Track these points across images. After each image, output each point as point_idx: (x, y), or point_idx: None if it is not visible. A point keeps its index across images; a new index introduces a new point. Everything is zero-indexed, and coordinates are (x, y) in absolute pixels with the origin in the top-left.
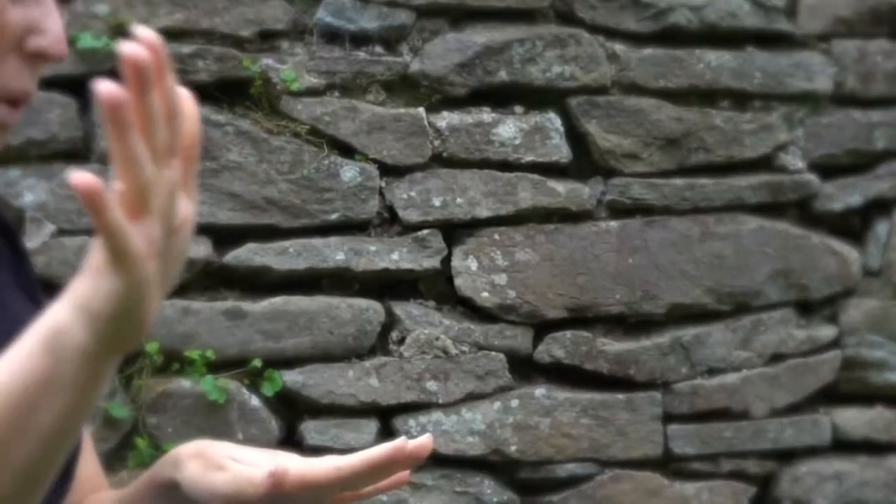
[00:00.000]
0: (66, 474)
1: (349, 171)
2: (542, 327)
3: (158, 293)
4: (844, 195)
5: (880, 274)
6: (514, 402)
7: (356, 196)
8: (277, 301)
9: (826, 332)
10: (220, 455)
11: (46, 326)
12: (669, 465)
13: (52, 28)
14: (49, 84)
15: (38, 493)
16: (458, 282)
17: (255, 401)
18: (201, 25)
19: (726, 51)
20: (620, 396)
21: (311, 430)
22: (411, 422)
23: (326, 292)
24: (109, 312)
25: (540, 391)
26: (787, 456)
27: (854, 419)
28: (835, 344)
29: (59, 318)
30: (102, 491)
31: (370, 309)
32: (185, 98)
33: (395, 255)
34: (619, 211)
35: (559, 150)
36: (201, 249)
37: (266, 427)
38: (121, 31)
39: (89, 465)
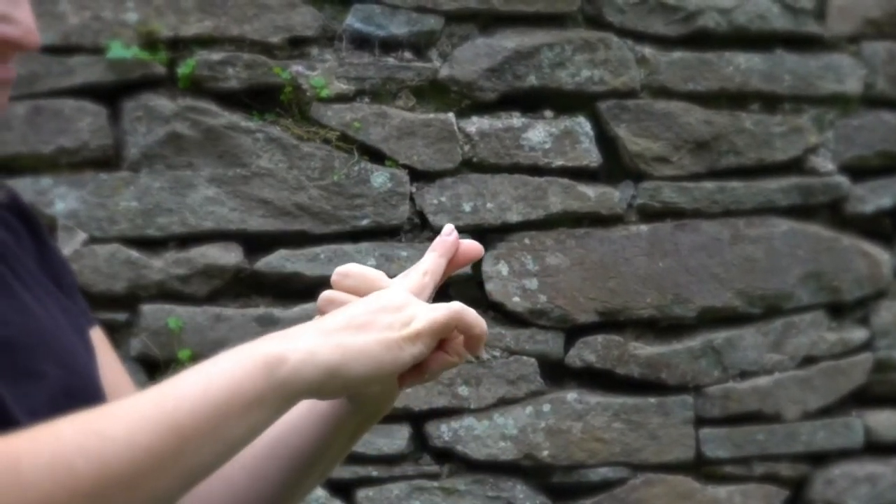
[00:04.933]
0: None
1: (379, 177)
2: (574, 331)
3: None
4: (875, 197)
5: None
6: (546, 407)
7: (387, 202)
8: (309, 307)
9: (858, 334)
10: None
11: (270, 353)
12: (702, 468)
13: (23, 19)
14: (80, 93)
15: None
16: (488, 287)
17: None
18: (231, 32)
19: (755, 53)
20: (652, 400)
21: None
22: (443, 427)
23: None
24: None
25: (572, 395)
26: (820, 458)
27: (886, 421)
28: (867, 346)
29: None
30: None
31: None
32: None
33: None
34: (650, 214)
35: (589, 155)
36: (232, 256)
37: None
38: (151, 40)
39: None
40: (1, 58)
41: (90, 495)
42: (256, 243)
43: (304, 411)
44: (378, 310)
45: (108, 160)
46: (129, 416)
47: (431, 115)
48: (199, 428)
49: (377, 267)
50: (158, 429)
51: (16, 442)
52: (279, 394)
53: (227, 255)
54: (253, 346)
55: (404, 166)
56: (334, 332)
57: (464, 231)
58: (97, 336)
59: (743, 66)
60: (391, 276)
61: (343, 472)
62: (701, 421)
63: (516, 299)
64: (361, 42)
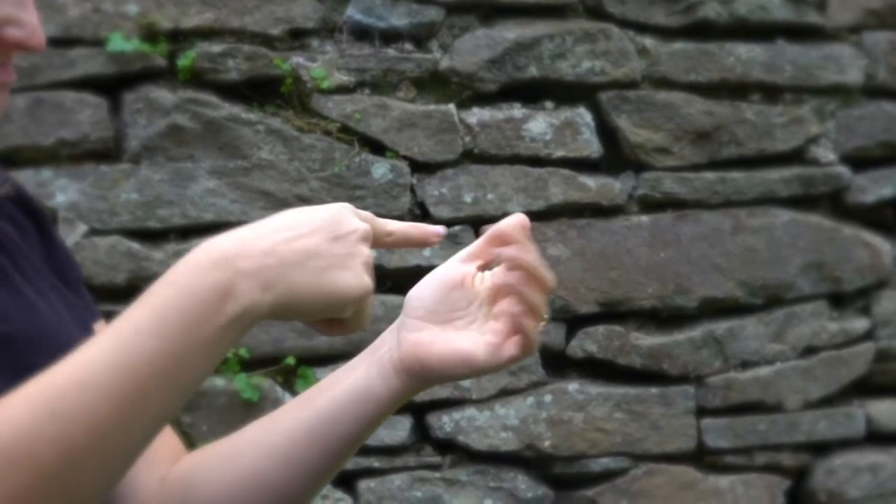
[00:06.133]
0: None
1: (380, 169)
2: (575, 322)
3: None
4: (876, 187)
5: None
6: (548, 398)
7: (387, 193)
8: None
9: (859, 324)
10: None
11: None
12: (703, 458)
13: (29, 20)
14: (80, 85)
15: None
16: None
17: (288, 398)
18: (231, 24)
19: (756, 44)
20: (654, 390)
21: None
22: (445, 418)
23: None
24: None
25: (573, 386)
26: (822, 448)
27: (888, 411)
28: (868, 336)
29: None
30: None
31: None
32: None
33: (426, 252)
34: (651, 205)
35: (590, 146)
36: None
37: None
38: (151, 32)
39: (170, 439)
40: (4, 58)
41: (60, 472)
42: None
43: (357, 396)
44: (327, 237)
45: (108, 152)
46: (85, 389)
47: (432, 107)
48: (159, 382)
49: (378, 258)
50: (118, 396)
51: None
52: (232, 329)
53: None
54: (199, 269)
55: (405, 158)
56: (282, 266)
57: (464, 222)
58: (101, 330)
59: (744, 57)
60: (391, 266)
61: None
62: (702, 411)
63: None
64: (362, 33)
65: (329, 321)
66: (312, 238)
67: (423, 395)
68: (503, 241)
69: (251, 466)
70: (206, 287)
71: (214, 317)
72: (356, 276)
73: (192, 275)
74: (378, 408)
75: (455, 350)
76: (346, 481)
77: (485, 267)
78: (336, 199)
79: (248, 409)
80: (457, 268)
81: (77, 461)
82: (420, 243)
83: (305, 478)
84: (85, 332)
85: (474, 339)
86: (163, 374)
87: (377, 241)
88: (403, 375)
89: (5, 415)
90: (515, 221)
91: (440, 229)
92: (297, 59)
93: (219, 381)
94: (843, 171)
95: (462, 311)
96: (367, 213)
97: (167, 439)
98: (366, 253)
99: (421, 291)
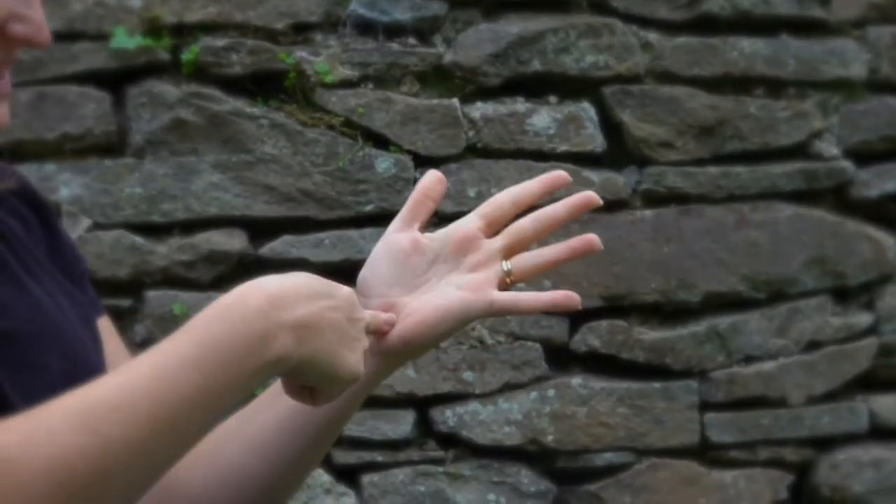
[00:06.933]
0: None
1: (384, 163)
2: (578, 316)
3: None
4: (880, 182)
5: None
6: (551, 392)
7: (391, 187)
8: None
9: (862, 318)
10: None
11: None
12: (706, 453)
13: (35, 17)
14: (84, 79)
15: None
16: None
17: None
18: (235, 18)
19: (760, 38)
20: (657, 385)
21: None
22: (448, 412)
23: None
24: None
25: (576, 380)
26: (825, 443)
27: (891, 406)
28: (871, 331)
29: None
30: None
31: None
32: None
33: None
34: (654, 200)
35: (593, 140)
36: (237, 242)
37: None
38: (154, 26)
39: None
40: (7, 56)
41: (89, 486)
42: (261, 229)
43: None
44: (347, 315)
45: (112, 146)
46: (123, 411)
47: (435, 101)
48: (193, 414)
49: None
50: (154, 425)
51: (7, 442)
52: (264, 372)
53: (232, 241)
54: (250, 312)
55: (408, 152)
56: (316, 330)
57: None
58: (105, 326)
59: (747, 51)
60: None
61: (348, 457)
62: (706, 406)
63: (521, 285)
64: (365, 28)
65: (310, 390)
66: (338, 313)
67: (426, 390)
68: (430, 196)
69: (233, 461)
70: (253, 332)
71: (253, 361)
72: (357, 362)
73: (242, 320)
74: (357, 390)
75: (438, 309)
76: (350, 475)
77: (494, 227)
78: (340, 194)
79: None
80: (401, 236)
81: (107, 477)
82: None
83: (287, 468)
84: (89, 328)
85: (447, 295)
86: (198, 406)
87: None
88: (386, 356)
89: (43, 425)
90: (434, 177)
91: (388, 320)
92: (301, 53)
93: None
94: (847, 165)
95: (425, 275)
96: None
97: None
98: (367, 343)
99: (374, 270)
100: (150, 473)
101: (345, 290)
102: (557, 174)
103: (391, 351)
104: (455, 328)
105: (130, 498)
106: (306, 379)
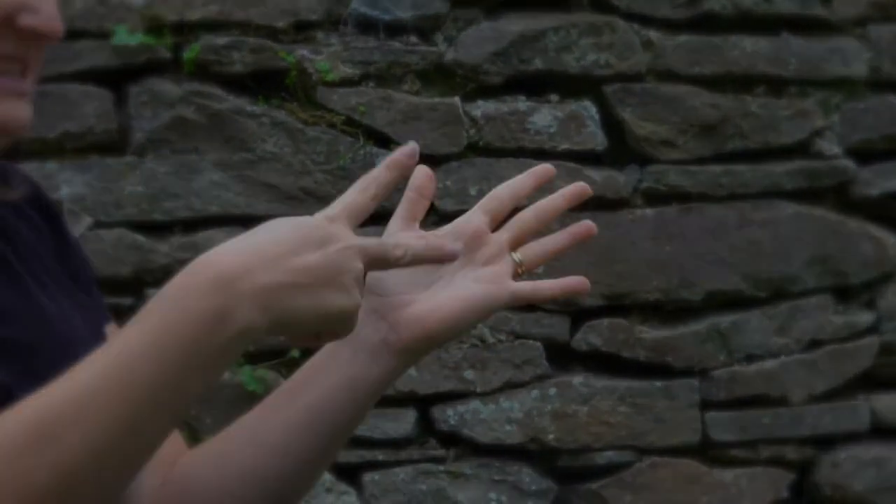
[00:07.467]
0: None
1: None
2: (580, 315)
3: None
4: (882, 180)
5: None
6: (552, 391)
7: None
8: None
9: (864, 317)
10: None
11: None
12: (708, 452)
13: (43, 6)
14: (85, 77)
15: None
16: None
17: None
18: (236, 17)
19: (761, 37)
20: (658, 384)
21: None
22: (449, 411)
23: None
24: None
25: (577, 379)
26: (826, 442)
27: (893, 405)
28: (873, 329)
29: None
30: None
31: None
32: None
33: None
34: (656, 198)
35: (595, 138)
36: None
37: None
38: (156, 24)
39: (173, 443)
40: (20, 51)
41: (55, 494)
42: None
43: (347, 383)
44: (323, 257)
45: (113, 145)
46: (81, 413)
47: (437, 100)
48: (157, 405)
49: None
50: (115, 421)
51: None
52: (229, 350)
53: None
54: (198, 290)
55: None
56: (280, 288)
57: None
58: (112, 332)
59: (749, 50)
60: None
61: (349, 455)
62: (707, 404)
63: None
64: (367, 26)
65: (315, 334)
66: (313, 256)
67: (427, 388)
68: (423, 194)
69: (247, 463)
70: (204, 310)
71: (212, 340)
72: (347, 296)
73: (190, 297)
74: (372, 388)
75: (463, 301)
76: (351, 474)
77: (498, 221)
78: (342, 192)
79: (253, 402)
80: (412, 235)
81: (73, 484)
82: (435, 262)
83: (302, 469)
84: (96, 336)
85: (468, 288)
86: (161, 398)
87: (385, 263)
88: (405, 352)
89: (4, 436)
90: (423, 174)
91: (456, 249)
92: (302, 51)
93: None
94: (849, 164)
95: (438, 272)
96: (374, 240)
97: (170, 442)
98: (358, 268)
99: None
100: (121, 471)
101: (321, 224)
102: (543, 167)
103: (413, 346)
104: (479, 320)
105: (108, 497)
106: (295, 333)
